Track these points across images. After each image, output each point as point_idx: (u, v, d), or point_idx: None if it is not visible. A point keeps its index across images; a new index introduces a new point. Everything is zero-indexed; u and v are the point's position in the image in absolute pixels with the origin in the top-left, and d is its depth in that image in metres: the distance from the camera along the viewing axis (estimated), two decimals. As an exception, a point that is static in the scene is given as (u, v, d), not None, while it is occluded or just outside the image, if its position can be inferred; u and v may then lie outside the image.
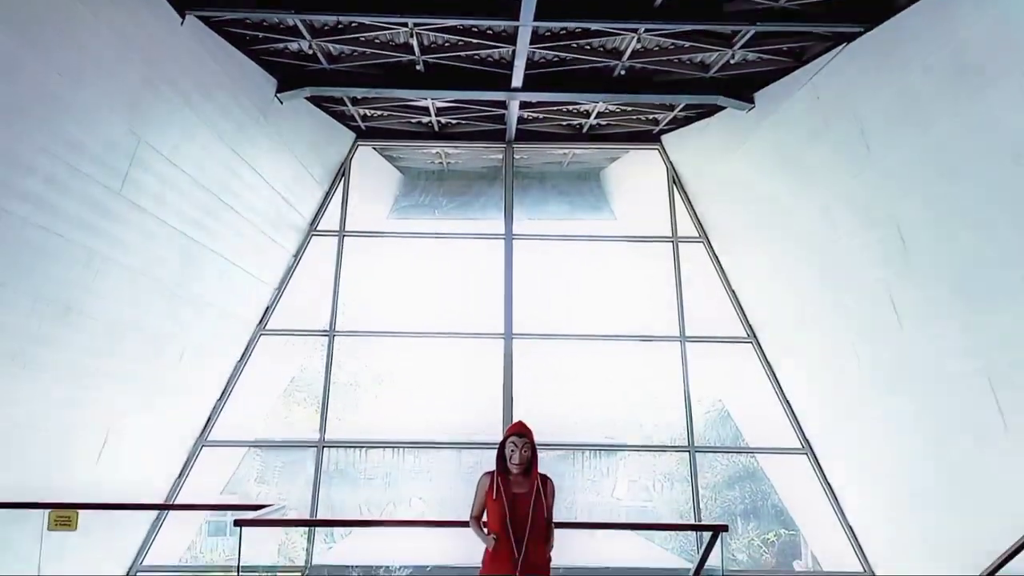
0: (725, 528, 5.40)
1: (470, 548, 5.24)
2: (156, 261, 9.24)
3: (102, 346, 8.82)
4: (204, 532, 17.73)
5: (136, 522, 11.03)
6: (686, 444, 12.18)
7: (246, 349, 12.02)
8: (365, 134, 12.51)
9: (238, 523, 5.11)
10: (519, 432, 5.04)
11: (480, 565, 5.04)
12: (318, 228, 12.57)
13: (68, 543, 9.39)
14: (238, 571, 5.35)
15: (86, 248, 8.00)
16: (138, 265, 8.93)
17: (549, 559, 5.01)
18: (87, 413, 9.09)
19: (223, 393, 11.83)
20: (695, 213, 12.65)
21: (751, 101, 10.28)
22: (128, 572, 10.94)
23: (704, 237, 12.56)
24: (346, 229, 12.68)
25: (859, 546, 11.29)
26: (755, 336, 12.28)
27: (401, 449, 15.39)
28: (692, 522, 12.04)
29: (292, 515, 11.57)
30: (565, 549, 5.20)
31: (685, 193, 12.69)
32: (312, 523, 11.82)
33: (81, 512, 9.51)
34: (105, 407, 9.36)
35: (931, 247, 8.22)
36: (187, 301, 10.15)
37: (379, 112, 11.84)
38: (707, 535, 5.92)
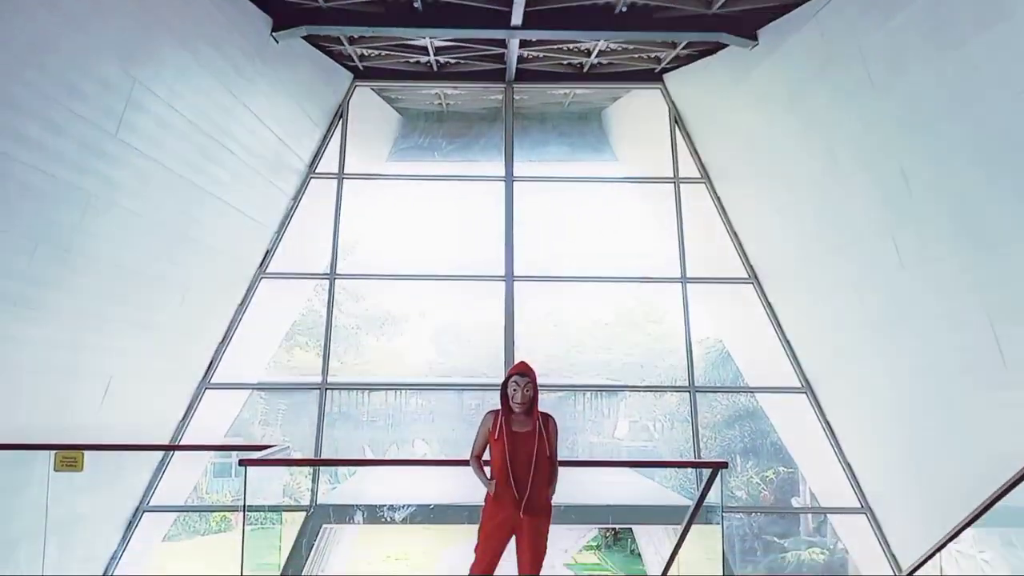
0: (725, 465, 5.44)
1: (472, 487, 5.30)
2: (154, 204, 9.20)
3: (103, 289, 8.81)
4: (209, 474, 17.95)
5: (142, 464, 11.16)
6: (687, 384, 12.23)
7: (247, 293, 12.01)
8: (363, 74, 12.35)
9: (243, 463, 5.16)
10: (521, 372, 5.05)
11: (483, 505, 5.09)
12: (317, 171, 12.48)
13: (75, 485, 9.50)
14: (244, 510, 5.41)
15: (84, 191, 7.96)
16: (136, 208, 8.88)
17: (551, 498, 5.05)
18: (90, 356, 9.12)
19: (225, 337, 11.86)
20: (697, 154, 12.55)
21: (754, 38, 10.11)
22: (135, 512, 11.09)
23: (706, 178, 12.47)
24: (345, 172, 12.58)
25: (857, 483, 11.43)
26: (756, 277, 12.27)
27: (403, 391, 15.48)
28: (692, 460, 12.16)
29: (296, 456, 11.69)
30: (566, 487, 5.24)
31: (687, 133, 12.58)
32: (316, 463, 11.94)
33: (87, 454, 9.63)
34: (108, 350, 9.39)
35: (933, 186, 8.17)
36: (186, 244, 10.12)
37: (377, 52, 11.67)
38: (707, 473, 5.98)
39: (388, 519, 10.74)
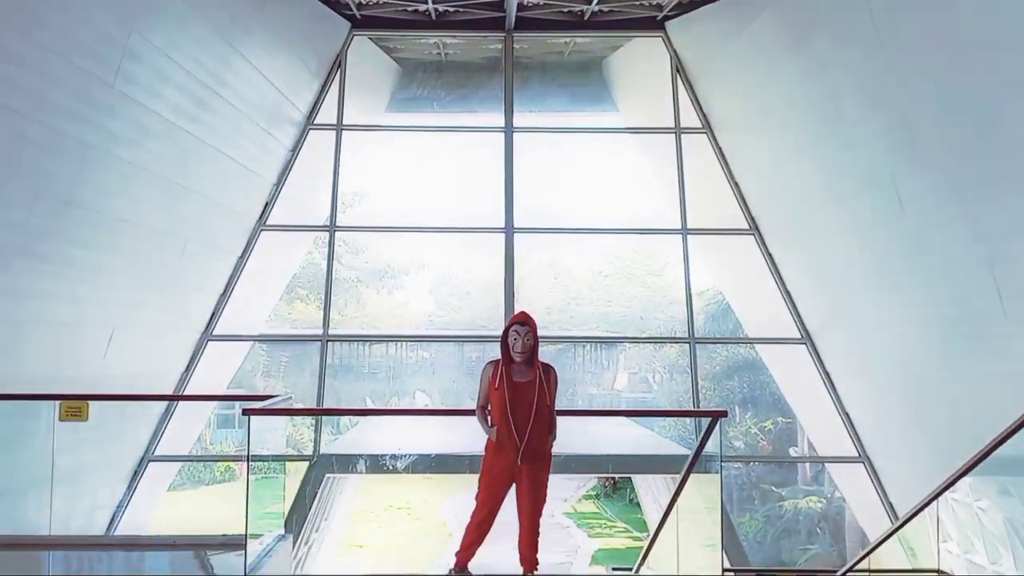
0: (724, 414, 5.48)
1: (473, 437, 5.34)
2: (153, 155, 9.14)
3: (103, 241, 8.80)
4: (213, 425, 18.11)
5: (146, 415, 11.24)
6: (686, 336, 12.26)
7: (247, 245, 12.00)
8: (360, 23, 12.20)
9: (246, 412, 5.19)
10: (522, 321, 5.06)
11: (483, 454, 5.13)
12: (315, 122, 12.38)
13: (80, 436, 9.58)
14: (248, 460, 5.45)
15: (81, 142, 7.91)
16: (135, 159, 8.83)
17: (552, 447, 5.10)
18: (92, 309, 9.14)
19: (226, 289, 11.87)
20: (698, 103, 12.44)
21: (758, -16, 9.98)
22: (140, 462, 11.20)
23: (707, 128, 12.38)
24: (343, 123, 12.49)
25: (855, 433, 11.52)
26: (757, 228, 12.24)
27: (404, 343, 15.54)
28: (692, 409, 12.25)
29: (299, 407, 11.76)
30: (566, 437, 5.28)
31: (688, 82, 12.46)
32: (319, 412, 12.03)
33: (93, 405, 9.69)
34: (110, 302, 9.41)
35: (937, 134, 8.10)
36: (186, 196, 10.08)
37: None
38: (706, 423, 6.03)
39: (390, 468, 10.86)
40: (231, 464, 16.48)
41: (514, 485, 5.01)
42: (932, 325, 9.25)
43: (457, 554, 5.03)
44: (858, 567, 8.78)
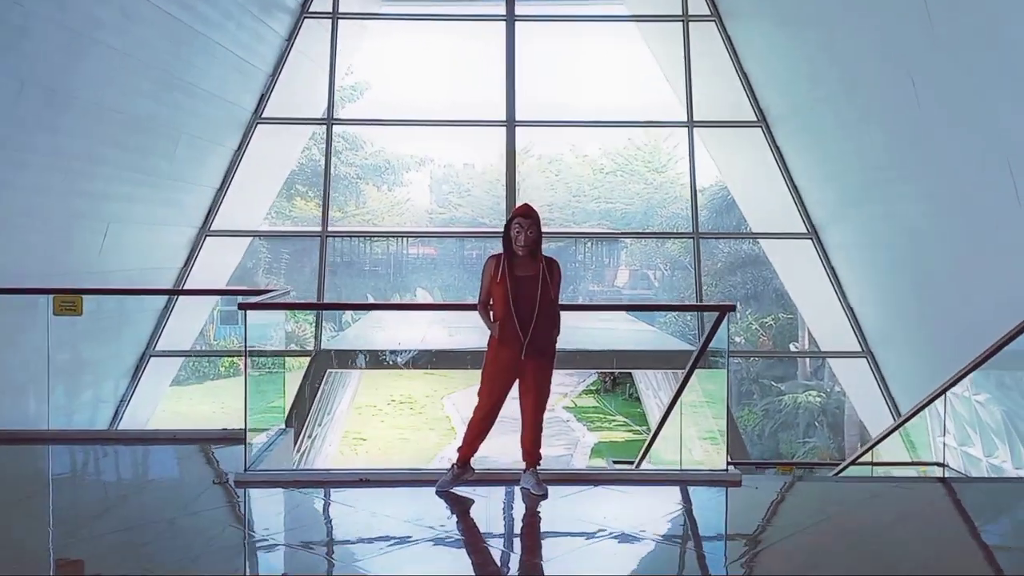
0: (732, 308, 5.37)
1: (474, 332, 5.25)
2: (140, 42, 8.79)
3: (93, 132, 8.54)
4: (216, 321, 18.17)
5: (146, 310, 11.19)
6: (690, 231, 12.09)
7: (243, 138, 11.70)
8: (356, -100, 11.62)
9: (242, 307, 5.09)
10: (525, 213, 4.88)
11: (485, 349, 5.03)
12: (310, 10, 11.91)
13: (79, 331, 9.57)
14: (244, 355, 5.37)
15: (66, 28, 7.57)
16: (122, 46, 8.48)
17: (555, 343, 4.99)
18: (85, 202, 8.95)
19: (223, 183, 11.64)
20: (707, -12, 11.96)
21: None
22: (141, 357, 11.21)
23: (716, 16, 11.92)
24: (339, 11, 12.02)
25: (859, 327, 11.47)
26: (765, 120, 11.92)
27: (404, 239, 15.42)
28: (693, 303, 12.19)
29: (296, 301, 11.69)
30: (569, 333, 5.18)
31: (697, -33, 11.94)
32: (316, 306, 11.95)
33: (91, 300, 9.61)
34: (103, 196, 9.21)
35: (957, 15, 7.74)
36: (177, 86, 9.76)
37: None
38: (710, 318, 5.94)
39: (391, 363, 10.87)
40: (236, 360, 16.58)
41: (517, 381, 4.92)
42: (943, 218, 9.07)
43: (459, 449, 4.98)
44: (860, 461, 8.86)
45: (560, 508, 4.80)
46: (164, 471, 5.84)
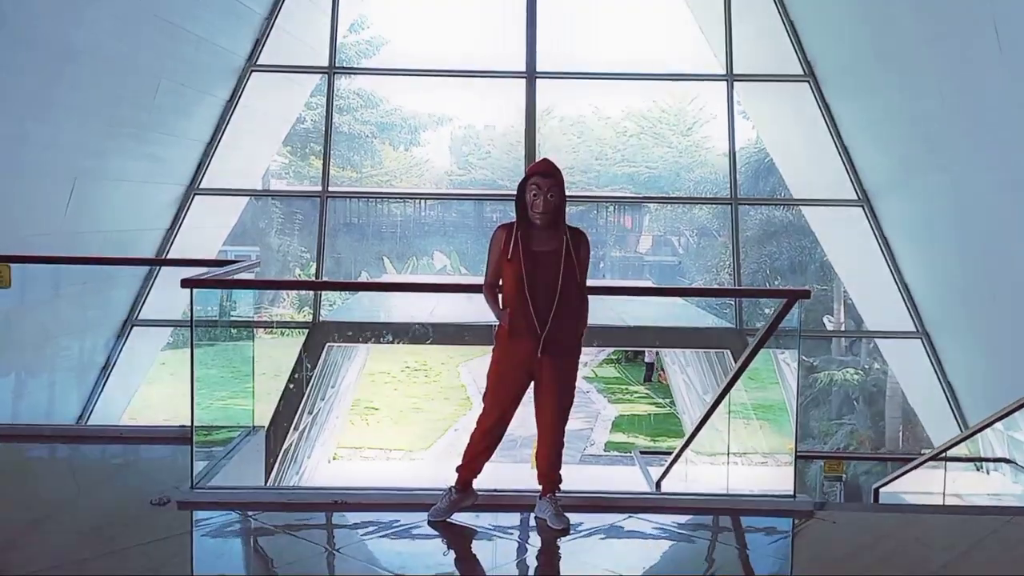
0: (806, 295, 4.27)
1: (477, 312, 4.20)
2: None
3: (51, 70, 7.40)
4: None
5: (128, 277, 10.20)
6: (728, 196, 10.94)
7: (236, 87, 10.59)
8: None
9: (185, 283, 4.01)
10: (544, 171, 3.76)
11: (493, 345, 3.96)
12: (311, -55, 10.76)
13: (60, 303, 8.69)
14: (192, 328, 4.29)
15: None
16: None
17: (581, 337, 3.92)
18: (43, 152, 7.82)
19: (213, 137, 10.54)
20: (751, -76, 10.71)
21: None
22: (123, 324, 10.26)
23: (761, -45, 10.69)
24: (343, -53, 10.87)
25: (914, 307, 10.36)
26: (813, 74, 10.69)
27: (421, 200, 14.37)
28: (757, 287, 11.01)
29: (298, 272, 10.69)
30: (593, 310, 4.07)
31: (740, -102, 10.70)
32: (272, 285, 10.87)
33: (65, 268, 8.66)
34: (65, 145, 8.09)
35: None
36: (155, 23, 8.61)
37: None
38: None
39: (392, 340, 9.89)
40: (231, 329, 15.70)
41: (532, 384, 3.85)
42: (1010, 190, 7.93)
43: (459, 470, 3.92)
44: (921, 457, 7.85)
45: (585, 547, 3.77)
46: (91, 484, 4.60)
